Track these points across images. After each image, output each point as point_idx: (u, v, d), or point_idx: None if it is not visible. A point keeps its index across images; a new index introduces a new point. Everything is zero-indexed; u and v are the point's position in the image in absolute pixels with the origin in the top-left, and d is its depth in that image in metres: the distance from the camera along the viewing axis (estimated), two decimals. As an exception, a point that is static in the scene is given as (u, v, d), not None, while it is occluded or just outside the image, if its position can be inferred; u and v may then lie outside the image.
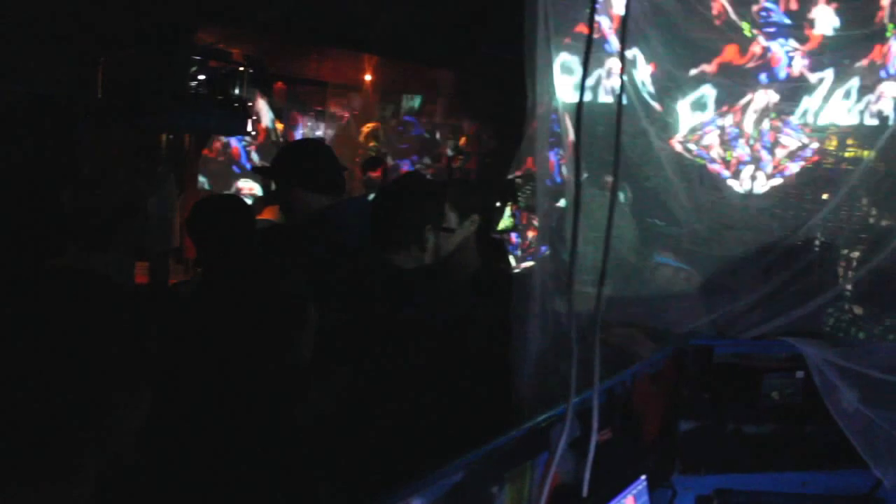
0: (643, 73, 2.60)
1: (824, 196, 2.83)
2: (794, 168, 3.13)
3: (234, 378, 2.39)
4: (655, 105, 2.61)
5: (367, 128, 11.71)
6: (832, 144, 3.37)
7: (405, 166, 11.11)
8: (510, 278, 2.48)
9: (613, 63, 2.64)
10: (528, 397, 1.87)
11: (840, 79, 3.08)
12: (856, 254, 2.86)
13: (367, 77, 13.03)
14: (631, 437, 2.23)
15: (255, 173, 10.26)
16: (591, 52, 1.34)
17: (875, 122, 3.16)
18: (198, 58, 6.19)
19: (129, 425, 1.20)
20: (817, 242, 2.72)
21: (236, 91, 6.55)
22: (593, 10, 1.33)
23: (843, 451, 2.45)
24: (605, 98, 3.01)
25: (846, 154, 3.20)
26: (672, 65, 2.57)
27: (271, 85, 10.59)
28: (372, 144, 11.31)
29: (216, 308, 2.75)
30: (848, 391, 2.50)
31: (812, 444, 2.59)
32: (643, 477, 2.10)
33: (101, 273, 1.26)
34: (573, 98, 2.67)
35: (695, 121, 2.89)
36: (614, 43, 2.55)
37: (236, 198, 3.76)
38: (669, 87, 2.64)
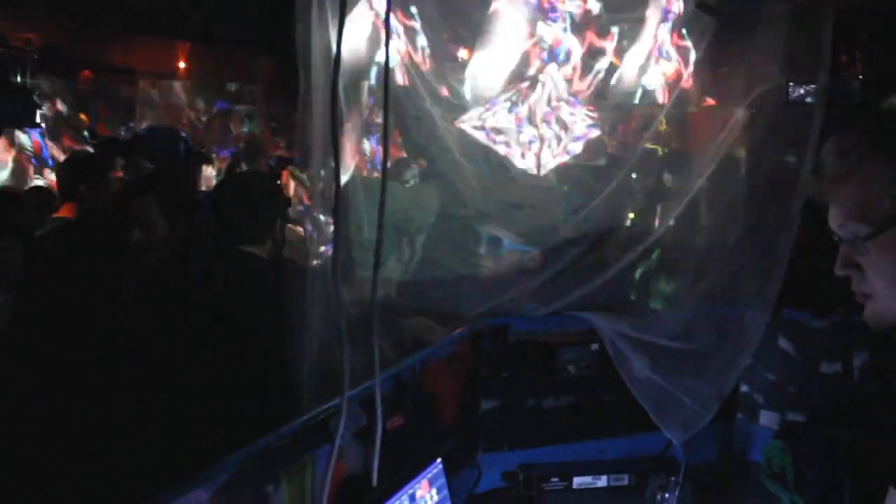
0: (425, 54, 2.58)
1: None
2: (577, 147, 3.22)
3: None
4: (438, 86, 2.60)
5: (182, 117, 11.18)
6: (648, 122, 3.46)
7: (224, 154, 10.67)
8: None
9: (396, 47, 2.60)
10: (310, 389, 1.81)
11: (620, 60, 3.20)
12: (641, 229, 2.98)
13: (181, 64, 12.43)
14: (426, 421, 2.22)
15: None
16: (342, 33, 1.29)
17: (651, 102, 3.30)
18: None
19: None
20: (605, 219, 2.82)
21: (19, 78, 6.04)
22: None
23: (636, 417, 2.57)
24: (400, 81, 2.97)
25: (628, 134, 3.33)
26: (455, 46, 2.57)
27: (74, 72, 9.91)
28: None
29: None
30: (639, 360, 2.61)
31: (608, 412, 2.69)
32: (438, 460, 2.09)
33: None
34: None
35: (479, 101, 2.90)
36: (396, 27, 2.52)
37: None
38: (453, 68, 2.64)
